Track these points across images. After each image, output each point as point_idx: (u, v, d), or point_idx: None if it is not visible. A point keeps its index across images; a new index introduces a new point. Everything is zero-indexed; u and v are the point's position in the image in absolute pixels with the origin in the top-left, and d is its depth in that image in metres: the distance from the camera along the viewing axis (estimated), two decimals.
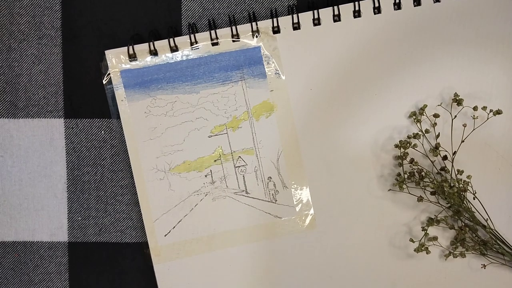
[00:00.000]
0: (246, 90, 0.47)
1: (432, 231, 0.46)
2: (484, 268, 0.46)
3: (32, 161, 0.48)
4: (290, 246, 0.47)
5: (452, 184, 0.44)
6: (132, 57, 0.46)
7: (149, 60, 0.46)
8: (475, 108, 0.45)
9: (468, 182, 0.44)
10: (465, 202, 0.45)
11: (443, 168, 0.46)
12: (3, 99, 0.48)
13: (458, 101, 0.45)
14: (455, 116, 0.46)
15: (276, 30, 0.46)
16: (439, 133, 0.46)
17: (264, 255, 0.47)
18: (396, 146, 0.45)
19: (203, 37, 0.46)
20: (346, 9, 0.45)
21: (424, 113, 0.45)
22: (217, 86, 0.46)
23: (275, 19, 0.46)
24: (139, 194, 0.47)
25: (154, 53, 0.46)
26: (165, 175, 0.47)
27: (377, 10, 0.46)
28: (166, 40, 0.46)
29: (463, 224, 0.45)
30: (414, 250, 0.45)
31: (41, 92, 0.48)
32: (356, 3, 0.45)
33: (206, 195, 0.47)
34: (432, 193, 0.45)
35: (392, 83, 0.46)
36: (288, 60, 0.46)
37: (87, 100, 0.48)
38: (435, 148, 0.45)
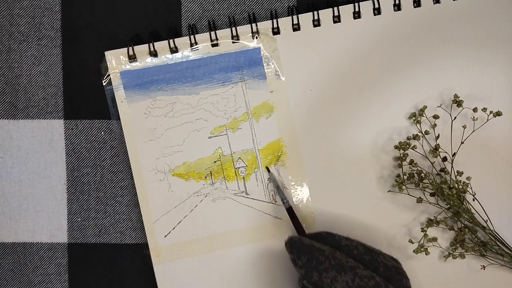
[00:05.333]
0: (246, 91, 0.47)
1: (432, 232, 0.46)
2: (484, 269, 0.46)
3: (31, 162, 0.48)
4: None
5: (451, 185, 0.44)
6: (132, 58, 0.46)
7: (149, 61, 0.46)
8: (475, 110, 0.45)
9: (468, 183, 0.44)
10: (464, 203, 0.45)
11: (442, 169, 0.46)
12: (3, 100, 0.48)
13: (458, 102, 0.45)
14: (455, 118, 0.46)
15: (276, 31, 0.46)
16: (438, 134, 0.46)
17: (264, 256, 0.47)
18: (396, 147, 0.46)
19: (203, 38, 0.46)
20: (346, 10, 0.45)
21: (423, 114, 0.45)
22: (217, 87, 0.46)
23: (275, 20, 0.46)
24: (139, 195, 0.47)
25: (154, 54, 0.46)
26: (165, 176, 0.47)
27: (377, 11, 0.46)
28: (166, 41, 0.46)
29: (462, 225, 0.45)
30: (414, 251, 0.45)
31: (40, 93, 0.48)
32: (356, 4, 0.45)
33: (206, 196, 0.47)
34: (432, 194, 0.45)
35: (392, 84, 0.46)
36: (288, 61, 0.46)
37: (87, 101, 0.48)
38: (435, 149, 0.45)
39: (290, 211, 0.45)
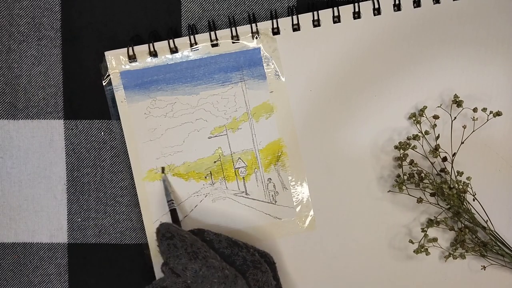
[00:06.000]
0: (245, 91, 0.47)
1: (432, 232, 0.46)
2: (484, 270, 0.46)
3: (31, 162, 0.48)
4: (290, 247, 0.47)
5: (451, 186, 0.44)
6: (132, 58, 0.46)
7: (149, 61, 0.46)
8: (475, 110, 0.45)
9: (468, 183, 0.44)
10: (464, 203, 0.45)
11: (443, 170, 0.46)
12: (3, 100, 0.48)
13: (458, 102, 0.45)
14: (455, 118, 0.46)
15: (276, 31, 0.46)
16: (438, 134, 0.46)
17: None
18: (396, 147, 0.45)
19: (202, 38, 0.46)
20: (346, 11, 0.45)
21: (424, 115, 0.45)
22: (216, 87, 0.46)
23: (274, 21, 0.46)
24: (139, 195, 0.47)
25: (154, 54, 0.46)
26: (164, 176, 0.47)
27: (376, 11, 0.46)
28: (166, 41, 0.46)
29: (463, 225, 0.45)
30: (414, 252, 0.45)
31: (40, 93, 0.48)
32: (356, 4, 0.45)
33: (206, 196, 0.47)
34: (432, 195, 0.45)
35: (392, 85, 0.46)
36: (288, 61, 0.46)
37: (86, 101, 0.48)
38: (435, 150, 0.45)
39: (174, 214, 0.45)
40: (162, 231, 0.41)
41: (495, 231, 0.45)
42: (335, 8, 0.45)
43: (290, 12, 0.46)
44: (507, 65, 0.46)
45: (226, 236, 0.43)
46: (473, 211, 0.45)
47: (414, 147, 0.45)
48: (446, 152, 0.45)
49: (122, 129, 0.46)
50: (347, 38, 0.46)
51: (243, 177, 0.47)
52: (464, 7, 0.45)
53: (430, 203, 0.45)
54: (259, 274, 0.41)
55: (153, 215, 0.47)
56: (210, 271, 0.39)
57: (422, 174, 0.45)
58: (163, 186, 0.46)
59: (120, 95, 0.46)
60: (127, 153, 0.47)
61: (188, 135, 0.47)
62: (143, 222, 0.47)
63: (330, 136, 0.47)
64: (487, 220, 0.45)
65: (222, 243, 0.42)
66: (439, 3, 0.45)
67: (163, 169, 0.46)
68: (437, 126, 0.45)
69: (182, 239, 0.40)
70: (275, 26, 0.46)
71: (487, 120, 0.45)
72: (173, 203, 0.45)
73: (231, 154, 0.47)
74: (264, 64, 0.46)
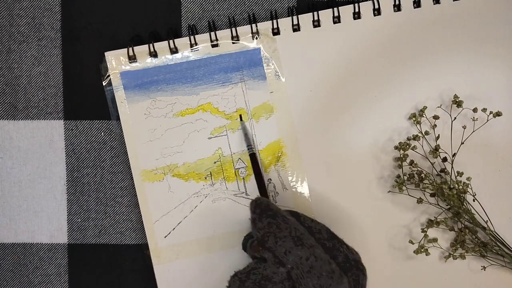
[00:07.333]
0: (246, 91, 0.47)
1: (432, 232, 0.46)
2: (484, 270, 0.46)
3: (31, 162, 0.48)
4: None
5: (451, 186, 0.44)
6: (132, 58, 0.46)
7: (149, 61, 0.46)
8: (475, 110, 0.45)
9: (468, 184, 0.44)
10: (464, 203, 0.45)
11: (442, 170, 0.46)
12: (3, 101, 0.48)
13: (458, 102, 0.45)
14: (455, 118, 0.46)
15: (276, 31, 0.46)
16: (438, 134, 0.46)
17: None
18: (396, 147, 0.45)
19: (203, 38, 0.46)
20: (346, 11, 0.46)
21: (424, 115, 0.45)
22: (217, 87, 0.46)
23: (275, 21, 0.46)
24: (139, 196, 0.47)
25: (154, 54, 0.46)
26: (164, 177, 0.47)
27: (377, 11, 0.46)
28: (166, 41, 0.46)
29: (463, 225, 0.45)
30: (414, 252, 0.45)
31: (40, 93, 0.48)
32: (356, 4, 0.45)
33: (206, 196, 0.47)
34: (432, 195, 0.45)
35: (392, 85, 0.46)
36: (288, 62, 0.46)
37: (86, 102, 0.48)
38: (435, 150, 0.45)
39: (253, 159, 0.43)
40: (262, 207, 0.38)
41: (495, 231, 0.45)
42: (335, 9, 0.45)
43: (290, 12, 0.46)
44: (507, 65, 0.46)
45: (324, 225, 0.39)
46: (473, 211, 0.45)
47: (414, 148, 0.45)
48: (446, 153, 0.45)
49: (122, 129, 0.46)
50: (347, 38, 0.46)
51: (243, 178, 0.47)
52: (464, 7, 0.45)
53: (430, 203, 0.45)
54: (360, 276, 0.38)
55: (153, 215, 0.47)
56: (319, 263, 0.36)
57: (422, 175, 0.45)
58: (242, 133, 0.46)
59: (120, 95, 0.46)
60: (127, 154, 0.47)
61: (188, 135, 0.47)
62: (143, 223, 0.47)
63: (330, 136, 0.47)
64: (487, 220, 0.45)
65: (322, 234, 0.39)
66: (439, 3, 0.45)
67: (241, 116, 0.46)
68: (437, 126, 0.45)
69: (285, 221, 0.37)
70: (275, 26, 0.46)
71: (487, 120, 0.45)
72: (252, 148, 0.44)
73: (231, 154, 0.47)
74: (264, 65, 0.46)
